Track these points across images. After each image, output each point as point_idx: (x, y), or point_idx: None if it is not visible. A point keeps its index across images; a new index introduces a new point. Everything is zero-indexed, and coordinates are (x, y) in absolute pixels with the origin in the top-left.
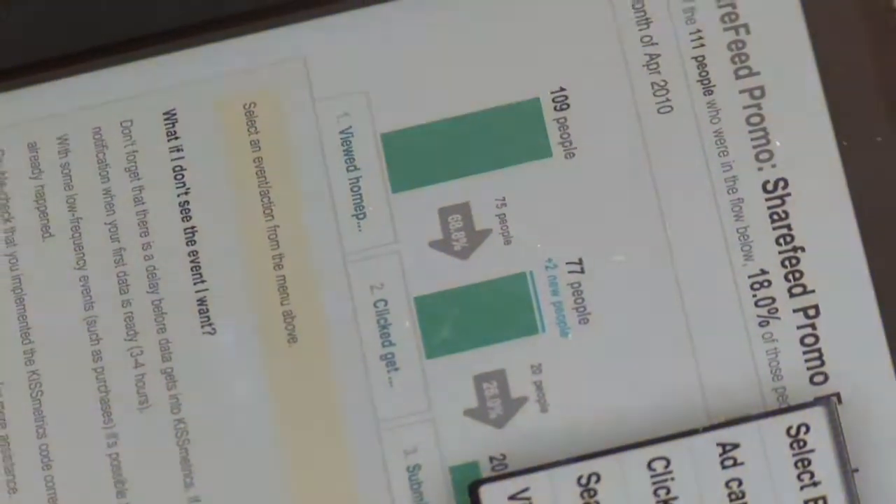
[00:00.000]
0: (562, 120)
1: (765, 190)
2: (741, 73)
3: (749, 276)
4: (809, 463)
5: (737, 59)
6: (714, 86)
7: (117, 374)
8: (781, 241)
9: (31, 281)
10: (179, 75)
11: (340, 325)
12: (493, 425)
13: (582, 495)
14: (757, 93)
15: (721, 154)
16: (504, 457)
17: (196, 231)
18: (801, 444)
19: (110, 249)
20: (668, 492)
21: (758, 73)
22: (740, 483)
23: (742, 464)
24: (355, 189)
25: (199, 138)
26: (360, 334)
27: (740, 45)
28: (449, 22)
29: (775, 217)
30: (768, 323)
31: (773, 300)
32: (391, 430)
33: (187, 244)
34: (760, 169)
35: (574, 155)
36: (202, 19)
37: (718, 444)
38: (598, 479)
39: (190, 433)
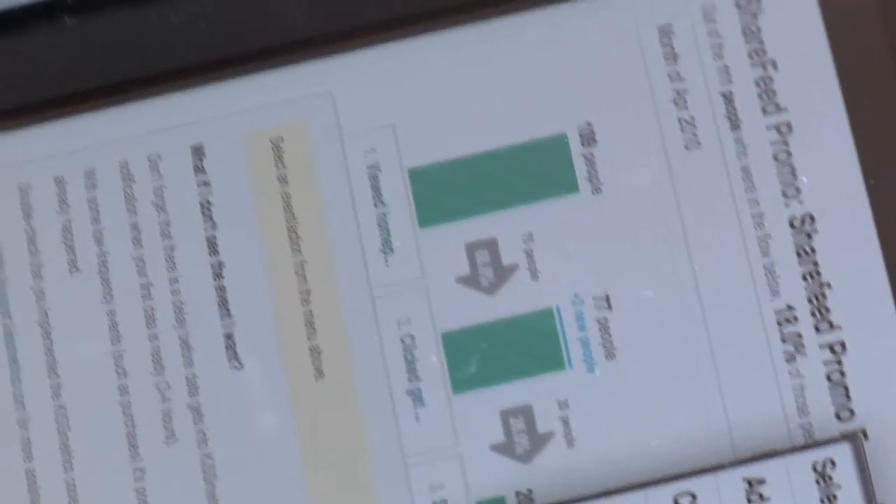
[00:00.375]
0: (589, 155)
1: (792, 226)
2: (769, 109)
3: (775, 312)
4: (835, 499)
5: (764, 96)
6: (741, 122)
7: (144, 408)
8: (808, 277)
9: (58, 315)
10: (207, 110)
11: (367, 361)
12: (520, 460)
13: None
14: (784, 129)
15: (748, 190)
16: (530, 492)
17: (223, 266)
18: (828, 479)
19: (137, 284)
20: None
21: (785, 110)
22: None
23: (768, 499)
24: (382, 224)
25: (226, 173)
26: (386, 369)
27: (768, 81)
28: (475, 57)
29: (802, 253)
30: (794, 359)
31: (800, 336)
32: (418, 465)
33: (214, 279)
34: (787, 205)
35: (601, 191)
36: (230, 54)
37: (744, 480)
38: None
39: (217, 468)
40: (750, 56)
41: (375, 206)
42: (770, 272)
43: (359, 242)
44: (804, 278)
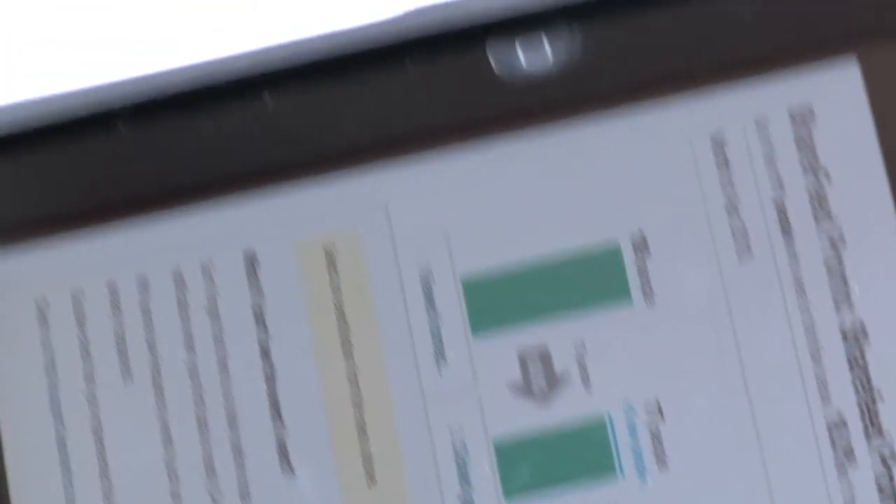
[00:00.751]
0: (642, 265)
1: (843, 335)
2: (821, 219)
3: (826, 421)
4: None
5: (817, 205)
6: (794, 231)
7: None
8: (859, 386)
9: (110, 420)
10: (261, 218)
11: (419, 467)
12: None
13: None
14: (836, 239)
15: (800, 299)
16: None
17: (276, 373)
18: None
19: (190, 391)
20: None
21: (838, 220)
22: None
23: None
24: (435, 332)
25: (279, 281)
26: (438, 476)
27: (821, 190)
28: (529, 163)
29: (853, 362)
30: (845, 467)
31: (851, 445)
32: None
33: (267, 386)
34: (839, 315)
35: (654, 300)
36: (284, 161)
37: None
38: None
39: None
40: (803, 166)
41: (428, 314)
42: (821, 381)
43: (412, 350)
44: (855, 387)
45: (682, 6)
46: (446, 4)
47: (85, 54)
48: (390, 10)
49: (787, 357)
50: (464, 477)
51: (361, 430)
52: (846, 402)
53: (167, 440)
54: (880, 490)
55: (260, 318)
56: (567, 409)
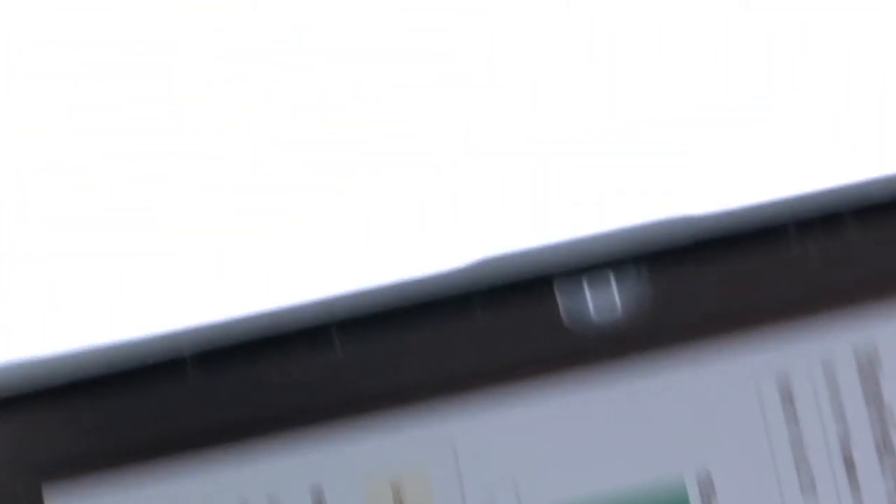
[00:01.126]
0: None
1: None
2: (886, 460)
3: None
4: None
5: (882, 446)
6: (858, 473)
7: None
8: None
9: None
10: (328, 455)
11: None
12: None
13: None
14: None
15: None
16: None
17: None
18: None
19: None
20: None
21: None
22: None
23: None
24: None
25: None
26: None
27: (885, 432)
28: (596, 405)
29: None
30: None
31: None
32: None
33: None
34: None
35: None
36: (350, 400)
37: None
38: None
39: None
40: (868, 408)
41: None
42: None
43: None
44: None
45: (748, 248)
46: (515, 254)
47: (160, 302)
48: (459, 259)
49: None
50: None
51: None
52: None
53: None
54: None
55: None
56: None
